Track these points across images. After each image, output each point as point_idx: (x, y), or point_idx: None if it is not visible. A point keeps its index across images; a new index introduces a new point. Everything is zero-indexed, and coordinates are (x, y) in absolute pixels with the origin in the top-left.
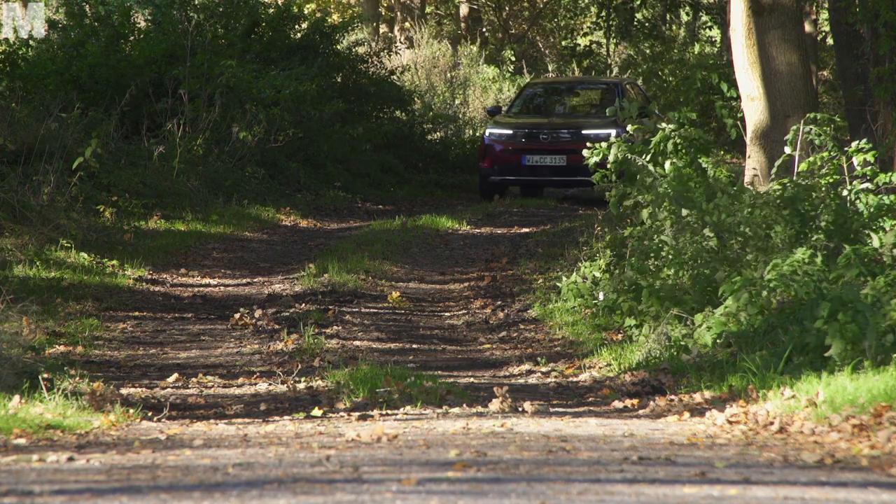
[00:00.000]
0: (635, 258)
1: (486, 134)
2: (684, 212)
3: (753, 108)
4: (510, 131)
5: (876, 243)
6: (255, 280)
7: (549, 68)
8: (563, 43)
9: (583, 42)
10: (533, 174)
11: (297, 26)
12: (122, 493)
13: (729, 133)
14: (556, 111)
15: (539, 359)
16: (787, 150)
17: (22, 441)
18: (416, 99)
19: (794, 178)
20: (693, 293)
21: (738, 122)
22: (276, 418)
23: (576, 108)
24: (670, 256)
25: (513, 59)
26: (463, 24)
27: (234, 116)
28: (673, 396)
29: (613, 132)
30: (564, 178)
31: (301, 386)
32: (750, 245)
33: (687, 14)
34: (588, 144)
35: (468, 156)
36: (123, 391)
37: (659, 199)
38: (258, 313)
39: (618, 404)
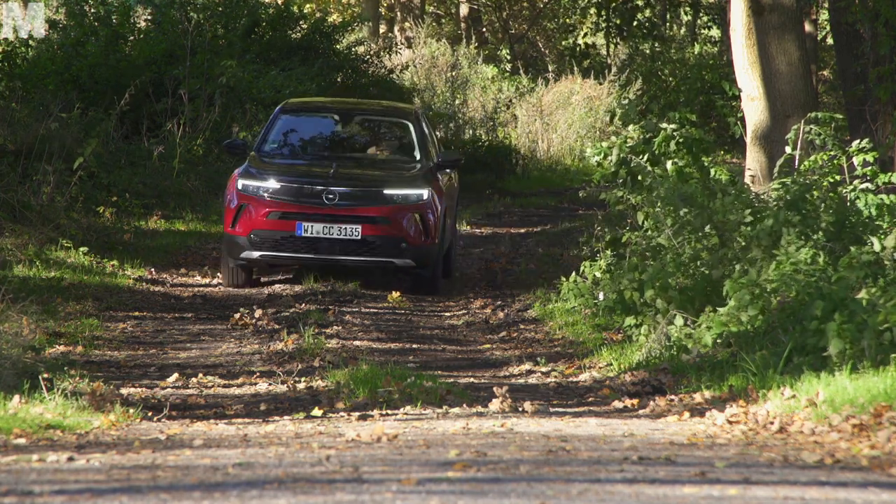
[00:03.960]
0: (636, 258)
1: (239, 185)
2: (682, 211)
3: (753, 108)
4: (277, 184)
5: (877, 247)
6: (255, 280)
7: (550, 68)
8: (564, 43)
9: (583, 42)
10: (313, 250)
11: (297, 26)
12: (122, 493)
13: (732, 131)
14: (336, 153)
15: (539, 359)
16: (788, 149)
17: (22, 441)
18: (416, 98)
19: (794, 177)
20: (693, 293)
21: (739, 122)
22: (276, 418)
23: (364, 149)
24: (669, 258)
25: (508, 57)
26: (463, 24)
27: (234, 116)
28: (673, 396)
29: (425, 192)
30: (360, 259)
31: (301, 386)
32: (754, 245)
33: (687, 14)
34: (392, 210)
35: (468, 156)
36: (123, 391)
37: (659, 199)
38: (258, 313)
39: (618, 404)
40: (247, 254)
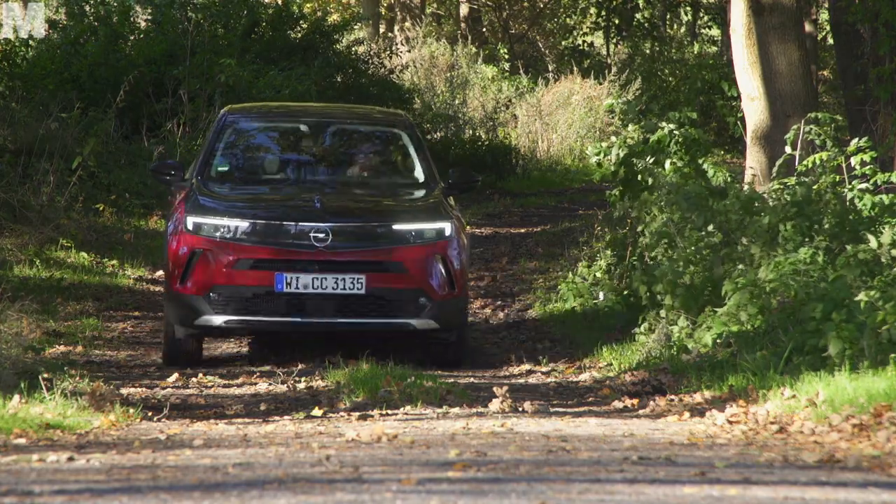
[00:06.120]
0: (637, 259)
1: (189, 223)
2: (677, 215)
3: (753, 108)
4: (244, 221)
5: (874, 244)
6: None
7: (549, 68)
8: (564, 43)
9: (582, 42)
10: (300, 312)
11: (297, 26)
12: (122, 492)
13: (732, 131)
14: (313, 176)
15: (539, 359)
16: (788, 149)
17: (22, 441)
18: (416, 98)
19: (796, 178)
20: (694, 293)
21: (739, 122)
22: (276, 418)
23: (346, 169)
24: (678, 255)
25: (506, 56)
26: (463, 24)
27: None
28: (673, 396)
29: (448, 226)
30: (364, 322)
31: (301, 386)
32: (755, 245)
33: (687, 14)
34: (407, 252)
35: (468, 156)
36: (123, 391)
37: (664, 200)
38: None
39: (618, 404)
40: (205, 319)
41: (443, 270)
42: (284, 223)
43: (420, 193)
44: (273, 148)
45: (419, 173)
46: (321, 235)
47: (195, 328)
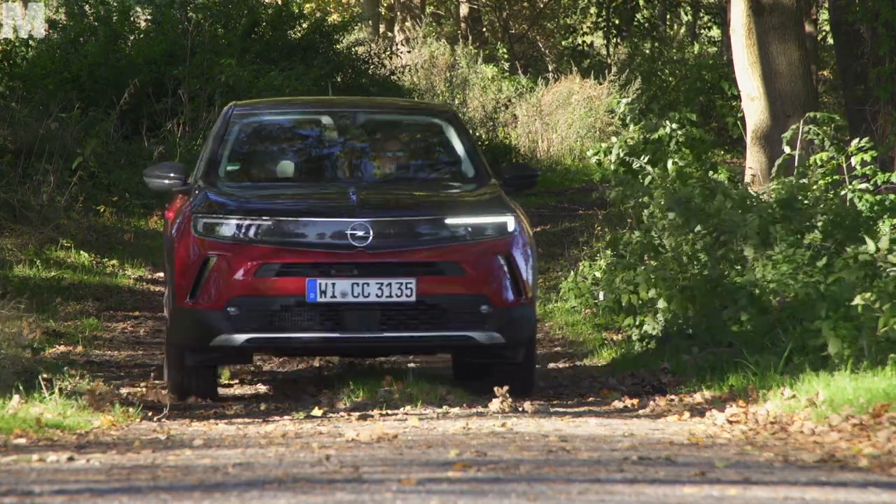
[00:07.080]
0: (633, 259)
1: (199, 226)
2: (671, 215)
3: (753, 108)
4: (266, 219)
5: (871, 248)
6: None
7: (550, 68)
8: (564, 43)
9: (582, 42)
10: (337, 326)
11: (297, 26)
12: (122, 492)
13: (732, 131)
14: (343, 171)
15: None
16: (787, 149)
17: (22, 441)
18: (416, 98)
19: (792, 177)
20: (694, 293)
21: (739, 122)
22: (276, 418)
23: (382, 162)
24: (669, 256)
25: (506, 56)
26: (463, 24)
27: None
28: (673, 396)
29: (510, 220)
30: (416, 337)
31: None
32: (748, 246)
33: (687, 14)
34: (464, 250)
35: None
36: (123, 391)
37: (654, 201)
38: None
39: (618, 404)
40: (223, 339)
41: (507, 272)
42: (316, 220)
43: (473, 187)
44: (292, 143)
45: (468, 168)
46: (360, 233)
47: (211, 351)
